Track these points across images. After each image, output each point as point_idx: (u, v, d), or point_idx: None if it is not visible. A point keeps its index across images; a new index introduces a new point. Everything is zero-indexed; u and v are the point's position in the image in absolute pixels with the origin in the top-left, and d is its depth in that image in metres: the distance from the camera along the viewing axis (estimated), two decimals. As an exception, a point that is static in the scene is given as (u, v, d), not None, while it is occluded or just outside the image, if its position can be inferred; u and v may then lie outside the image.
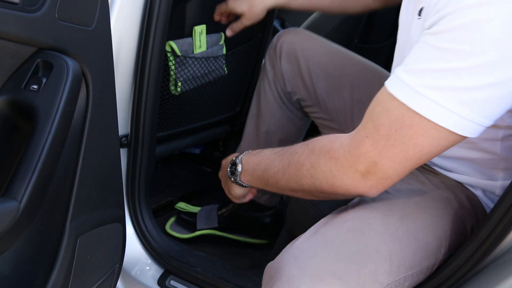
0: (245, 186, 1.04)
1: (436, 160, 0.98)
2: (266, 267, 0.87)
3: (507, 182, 0.93)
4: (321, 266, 0.80)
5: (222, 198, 1.60)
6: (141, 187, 1.33)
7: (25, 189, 0.79)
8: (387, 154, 0.77)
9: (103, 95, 0.97)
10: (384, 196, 0.95)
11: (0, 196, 0.80)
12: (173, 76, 1.38)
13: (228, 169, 1.05)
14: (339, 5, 1.39)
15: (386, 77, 0.81)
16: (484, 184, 0.96)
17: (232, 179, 1.04)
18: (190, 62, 1.41)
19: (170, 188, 1.79)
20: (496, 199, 0.96)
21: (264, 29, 1.69)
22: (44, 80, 0.85)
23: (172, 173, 1.92)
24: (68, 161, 0.91)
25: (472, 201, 0.97)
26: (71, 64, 0.87)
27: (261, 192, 1.47)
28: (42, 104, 0.84)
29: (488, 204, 0.98)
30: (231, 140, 2.01)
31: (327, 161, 0.83)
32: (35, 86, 0.85)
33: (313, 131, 1.49)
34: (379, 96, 0.79)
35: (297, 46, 1.37)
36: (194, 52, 1.43)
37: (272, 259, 0.88)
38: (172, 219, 1.60)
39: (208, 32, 1.47)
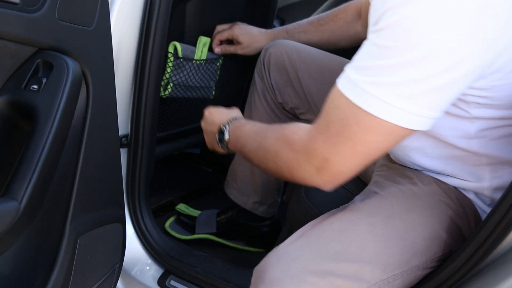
0: (231, 151, 1.08)
1: (423, 160, 0.98)
2: (254, 270, 0.90)
3: (495, 183, 0.94)
4: (304, 267, 0.82)
5: (221, 200, 1.61)
6: (141, 187, 1.33)
7: (25, 189, 0.79)
8: (337, 151, 0.79)
9: (103, 95, 0.97)
10: (373, 197, 0.97)
11: (0, 196, 0.80)
12: (167, 77, 1.38)
13: (217, 136, 1.09)
14: (328, 41, 1.45)
15: None
16: (473, 186, 0.96)
17: (220, 146, 1.08)
18: (187, 67, 1.42)
19: (170, 188, 1.79)
20: (488, 200, 0.97)
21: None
22: (44, 80, 0.85)
23: (172, 173, 1.92)
24: (68, 161, 0.91)
25: (463, 203, 0.97)
26: (71, 64, 0.87)
27: (257, 203, 1.49)
28: (42, 104, 0.84)
29: (482, 206, 0.98)
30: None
31: (288, 152, 0.86)
32: (35, 86, 0.85)
33: None
34: (331, 93, 0.81)
35: (285, 56, 1.39)
36: (195, 58, 1.45)
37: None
38: (171, 219, 1.61)
39: (210, 49, 1.52)
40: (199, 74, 1.49)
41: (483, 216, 0.97)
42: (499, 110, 0.84)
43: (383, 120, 0.74)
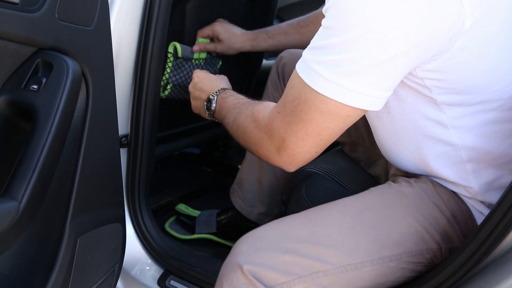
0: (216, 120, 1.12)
1: (405, 162, 1.00)
2: None
3: (483, 185, 0.94)
4: (269, 244, 0.88)
5: (221, 200, 1.61)
6: (141, 187, 1.33)
7: (25, 189, 0.79)
8: (292, 130, 0.83)
9: (103, 95, 0.97)
10: (364, 193, 1.00)
11: (0, 196, 0.80)
12: (166, 77, 1.38)
13: (205, 104, 1.13)
14: (308, 43, 1.44)
15: None
16: (465, 191, 0.97)
17: (207, 113, 1.13)
18: (187, 66, 1.42)
19: (170, 188, 1.79)
20: (484, 206, 0.97)
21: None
22: (44, 80, 0.85)
23: (172, 173, 1.92)
24: (68, 161, 0.91)
25: (456, 206, 0.97)
26: (71, 64, 0.86)
27: (263, 214, 1.49)
28: (42, 104, 0.84)
29: (482, 210, 0.98)
30: (231, 140, 2.01)
31: (253, 129, 0.92)
32: (35, 86, 0.85)
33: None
34: (292, 74, 0.85)
35: None
36: (193, 57, 1.44)
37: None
38: (171, 219, 1.61)
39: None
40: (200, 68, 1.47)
41: (480, 221, 0.97)
42: (462, 95, 0.86)
43: (327, 97, 0.78)
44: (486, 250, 0.83)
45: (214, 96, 1.10)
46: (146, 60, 1.21)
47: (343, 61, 0.76)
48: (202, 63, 1.48)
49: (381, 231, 0.92)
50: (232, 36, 1.47)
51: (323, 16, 0.79)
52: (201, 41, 1.47)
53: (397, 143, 0.99)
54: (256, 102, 0.98)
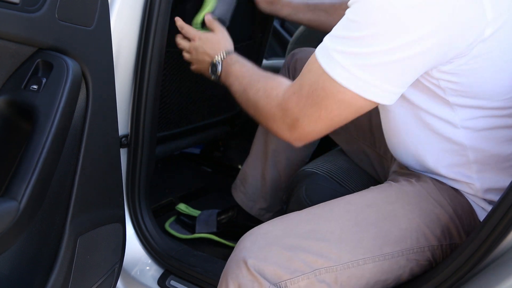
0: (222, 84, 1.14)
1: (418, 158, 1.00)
2: None
3: (485, 184, 0.95)
4: (273, 240, 0.89)
5: (221, 200, 1.61)
6: (141, 187, 1.33)
7: (25, 189, 0.79)
8: (306, 113, 0.87)
9: (103, 95, 0.97)
10: (364, 191, 1.01)
11: (0, 196, 0.80)
12: (208, 10, 1.27)
13: (210, 67, 1.16)
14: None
15: None
16: (467, 188, 0.97)
17: (213, 77, 1.16)
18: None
19: (170, 188, 1.79)
20: (486, 203, 0.98)
21: (265, 29, 1.69)
22: (44, 80, 0.85)
23: (172, 173, 1.92)
24: (68, 161, 0.91)
25: (458, 203, 0.98)
26: (71, 64, 0.87)
27: (264, 210, 1.48)
28: (42, 104, 0.84)
29: (484, 206, 0.98)
30: (231, 140, 2.01)
31: (265, 105, 0.95)
32: (35, 86, 0.85)
33: (325, 147, 1.50)
34: (310, 58, 0.87)
35: None
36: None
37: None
38: (172, 219, 1.60)
39: None
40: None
41: (482, 217, 0.97)
42: (475, 99, 0.87)
43: (345, 87, 0.80)
44: (486, 250, 0.83)
45: (219, 60, 1.13)
46: (146, 60, 1.21)
47: (363, 55, 0.78)
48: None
49: (382, 228, 0.92)
50: None
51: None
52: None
53: (405, 138, 0.99)
54: (267, 75, 1.00)
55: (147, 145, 1.29)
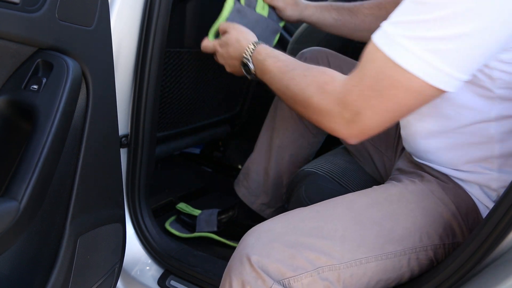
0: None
1: (435, 149, 0.99)
2: None
3: (503, 175, 0.94)
4: (275, 237, 0.88)
5: (221, 199, 1.61)
6: (141, 187, 1.33)
7: (25, 189, 0.79)
8: (370, 105, 0.82)
9: (103, 95, 0.97)
10: (367, 190, 1.00)
11: (0, 196, 0.80)
12: (222, 20, 1.25)
13: (242, 69, 1.12)
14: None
15: None
16: (478, 178, 0.97)
17: (249, 77, 1.11)
18: (248, 13, 1.28)
19: (170, 188, 1.79)
20: (494, 194, 0.97)
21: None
22: (44, 80, 0.85)
23: (172, 173, 1.92)
24: (68, 161, 0.91)
25: (462, 202, 0.98)
26: (71, 64, 0.87)
27: (265, 205, 1.48)
28: (42, 104, 0.84)
29: (486, 203, 0.98)
30: (231, 140, 2.01)
31: (321, 100, 0.88)
32: (35, 86, 0.85)
33: (325, 147, 1.50)
34: (368, 47, 0.82)
35: (325, 63, 1.36)
36: (256, 10, 1.31)
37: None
38: (172, 218, 1.61)
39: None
40: (256, 29, 1.27)
41: (485, 214, 0.97)
42: None
43: (414, 75, 0.76)
44: (486, 250, 0.83)
45: (248, 58, 1.09)
46: (146, 60, 1.21)
47: (435, 39, 0.74)
48: (263, 19, 1.32)
49: (385, 227, 0.92)
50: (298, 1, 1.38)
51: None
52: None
53: (428, 126, 0.97)
54: (311, 68, 0.95)
55: (147, 145, 1.29)
